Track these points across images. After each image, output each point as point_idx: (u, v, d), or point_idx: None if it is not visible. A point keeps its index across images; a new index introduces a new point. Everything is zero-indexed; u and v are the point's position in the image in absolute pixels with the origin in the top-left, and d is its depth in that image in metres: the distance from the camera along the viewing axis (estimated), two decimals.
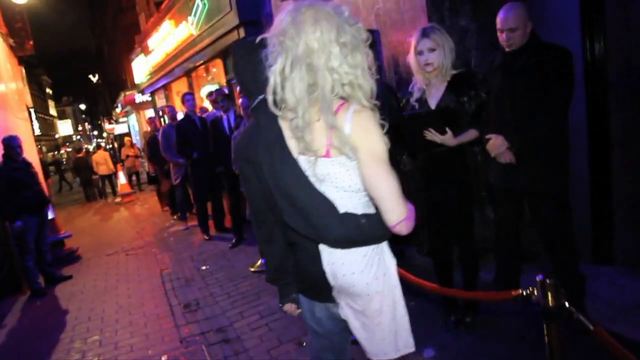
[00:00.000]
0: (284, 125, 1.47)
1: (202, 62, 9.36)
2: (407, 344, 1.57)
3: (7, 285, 5.16)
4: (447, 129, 2.56)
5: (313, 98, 1.37)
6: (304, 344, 3.13)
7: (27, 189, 4.93)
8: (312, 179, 1.46)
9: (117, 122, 29.36)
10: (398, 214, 1.38)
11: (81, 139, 55.30)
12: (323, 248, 1.52)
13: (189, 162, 6.06)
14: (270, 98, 1.41)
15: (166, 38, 10.53)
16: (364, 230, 1.44)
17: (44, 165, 13.99)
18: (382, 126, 1.40)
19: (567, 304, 1.37)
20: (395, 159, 4.02)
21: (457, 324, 2.92)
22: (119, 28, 22.49)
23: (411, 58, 2.69)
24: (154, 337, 3.67)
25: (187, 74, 10.73)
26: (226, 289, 4.44)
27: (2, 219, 4.99)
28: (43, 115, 48.23)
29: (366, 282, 1.48)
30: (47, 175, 12.89)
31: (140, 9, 13.73)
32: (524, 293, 1.52)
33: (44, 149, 43.55)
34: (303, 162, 1.46)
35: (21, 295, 5.17)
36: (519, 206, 3.02)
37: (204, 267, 5.22)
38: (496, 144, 2.72)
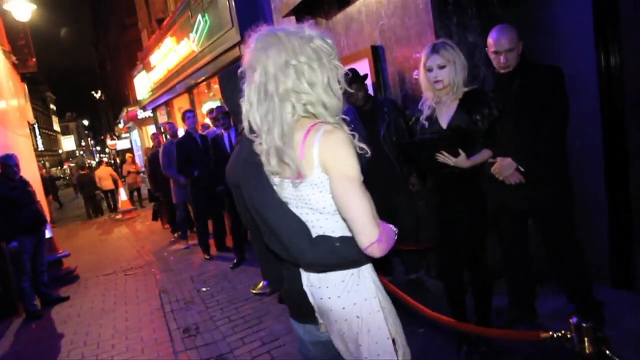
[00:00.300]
0: (259, 150, 1.46)
1: (203, 78, 9.33)
2: None
3: (2, 307, 5.02)
4: (459, 150, 2.44)
5: (275, 125, 1.38)
6: None
7: (23, 209, 4.81)
8: (288, 202, 1.48)
9: (119, 138, 29.41)
10: (369, 236, 1.32)
11: (84, 155, 55.48)
12: (302, 269, 1.53)
13: (190, 180, 5.94)
14: (245, 124, 1.45)
15: (168, 55, 10.53)
16: (339, 253, 1.41)
17: (46, 181, 13.90)
18: (356, 146, 1.39)
19: (607, 352, 1.23)
20: (403, 179, 3.90)
21: (471, 354, 2.76)
22: (122, 44, 22.64)
23: (420, 74, 2.57)
24: None
25: (189, 90, 10.70)
26: (227, 312, 4.28)
27: None
28: (47, 131, 48.49)
29: (342, 306, 1.47)
30: (47, 192, 12.78)
31: (143, 26, 13.79)
32: (555, 335, 1.37)
33: (47, 164, 43.71)
34: (277, 184, 1.48)
35: (16, 318, 5.01)
36: (524, 226, 2.96)
37: (204, 289, 5.07)
38: (504, 166, 2.67)
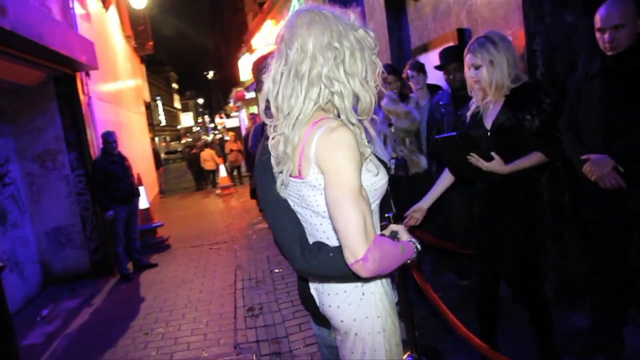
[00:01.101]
0: (270, 143, 1.35)
1: None
2: None
3: (102, 268, 5.61)
4: (493, 153, 2.19)
5: (295, 108, 1.27)
6: None
7: (119, 181, 5.27)
8: (293, 201, 1.38)
9: (228, 116, 31.15)
10: (354, 253, 1.17)
11: (200, 130, 59.88)
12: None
13: None
14: (262, 105, 1.35)
15: (267, 37, 10.79)
16: (331, 265, 1.29)
17: (157, 155, 15.20)
18: (364, 151, 1.28)
19: None
20: None
21: None
22: (233, 27, 23.77)
23: (466, 73, 2.37)
24: (212, 338, 3.67)
25: None
26: (292, 296, 4.32)
27: (97, 208, 5.41)
28: (169, 108, 53.09)
29: (341, 319, 1.37)
30: (158, 165, 13.96)
31: (249, 9, 14.30)
32: None
33: (167, 138, 47.96)
34: (281, 188, 1.37)
35: (112, 278, 5.57)
36: (624, 243, 2.47)
37: (277, 270, 5.18)
38: (598, 164, 2.21)
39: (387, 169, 3.31)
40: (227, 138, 20.02)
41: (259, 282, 4.89)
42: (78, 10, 5.97)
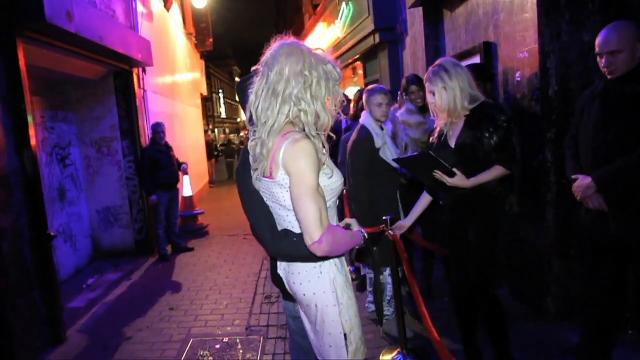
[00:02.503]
0: (251, 145, 1.66)
1: (346, 64, 9.64)
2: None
3: (144, 247, 6.12)
4: (455, 170, 2.36)
5: (270, 119, 1.58)
6: None
7: (164, 169, 5.74)
8: (264, 197, 1.69)
9: None
10: (311, 237, 1.50)
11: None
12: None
13: None
14: (248, 115, 1.64)
15: (319, 39, 11.08)
16: (296, 248, 1.60)
17: (210, 146, 15.90)
18: (321, 158, 1.58)
19: None
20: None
21: None
22: (295, 26, 24.31)
23: (428, 98, 2.57)
24: (228, 319, 4.00)
25: None
26: None
27: (143, 192, 5.92)
28: (230, 101, 54.76)
29: (304, 293, 1.66)
30: (210, 156, 14.63)
31: (306, 10, 14.66)
32: None
33: (227, 130, 49.49)
34: (256, 181, 1.68)
35: (151, 257, 6.07)
36: (615, 264, 2.49)
37: None
38: (582, 186, 2.29)
39: (400, 176, 3.49)
40: None
41: None
42: (140, 10, 6.52)
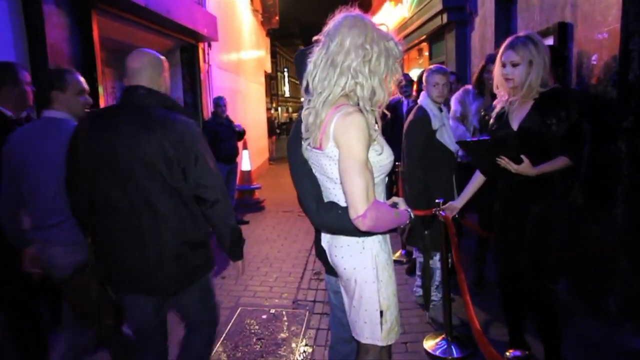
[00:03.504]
0: (304, 114, 1.65)
1: (412, 44, 9.38)
2: (374, 337, 1.67)
3: None
4: (523, 156, 2.21)
5: (326, 89, 1.56)
6: None
7: (224, 142, 5.90)
8: (313, 169, 1.69)
9: None
10: (356, 210, 1.49)
11: None
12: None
13: None
14: (304, 83, 1.63)
15: (386, 18, 10.84)
16: (339, 221, 1.60)
17: (272, 123, 16.18)
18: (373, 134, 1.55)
19: None
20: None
21: None
22: (362, 7, 23.91)
23: (495, 69, 2.35)
24: (276, 292, 4.10)
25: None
26: None
27: None
28: (294, 80, 55.28)
29: (344, 267, 1.67)
30: (271, 133, 14.89)
31: None
32: None
33: (290, 109, 50.09)
34: (306, 151, 1.68)
35: None
36: None
37: None
38: None
39: (455, 158, 3.40)
40: None
41: None
42: None
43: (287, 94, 48.05)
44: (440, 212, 2.69)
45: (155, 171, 1.84)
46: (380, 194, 1.71)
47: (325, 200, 1.70)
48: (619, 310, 3.12)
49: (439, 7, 6.74)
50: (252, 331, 3.38)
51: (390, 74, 1.60)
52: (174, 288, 2.00)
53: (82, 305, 2.03)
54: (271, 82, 21.73)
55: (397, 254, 4.82)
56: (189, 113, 2.04)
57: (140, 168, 1.84)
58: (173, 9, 4.70)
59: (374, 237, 1.67)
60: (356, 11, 1.61)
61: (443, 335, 2.97)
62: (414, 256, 4.09)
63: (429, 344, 2.97)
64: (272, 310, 3.71)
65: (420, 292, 3.52)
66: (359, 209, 1.48)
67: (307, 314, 3.64)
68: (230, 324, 3.46)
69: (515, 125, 2.33)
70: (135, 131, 1.83)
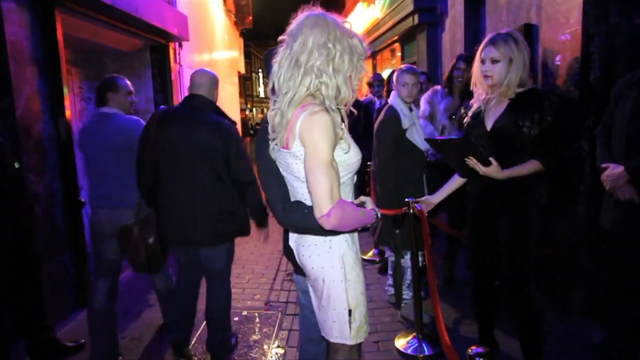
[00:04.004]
0: (270, 115, 1.65)
1: (383, 45, 9.46)
2: (343, 336, 1.67)
3: None
4: (491, 159, 2.15)
5: (291, 90, 1.55)
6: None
7: None
8: (280, 168, 1.69)
9: None
10: (320, 209, 1.49)
11: None
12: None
13: None
14: (270, 84, 1.63)
15: (358, 19, 10.89)
16: (306, 220, 1.60)
17: (246, 124, 16.08)
18: (339, 132, 1.55)
19: None
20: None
21: None
22: (335, 8, 24.01)
23: (475, 65, 2.30)
24: (248, 293, 4.07)
25: (373, 55, 10.96)
26: None
27: None
28: (268, 81, 55.00)
29: (312, 267, 1.67)
30: (245, 134, 14.78)
31: None
32: None
33: (265, 110, 49.84)
34: (272, 151, 1.69)
35: None
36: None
37: None
38: (612, 175, 2.18)
39: (425, 157, 3.39)
40: None
41: None
42: None
43: (262, 95, 47.82)
44: (416, 205, 2.65)
45: (204, 156, 2.51)
46: (348, 193, 1.72)
47: (292, 199, 1.70)
48: (583, 306, 3.21)
49: (411, 8, 6.81)
50: None
51: (355, 72, 1.59)
52: (209, 241, 2.64)
53: (137, 254, 2.76)
54: (245, 83, 21.60)
55: (370, 253, 4.85)
56: (230, 119, 2.66)
57: (195, 153, 2.51)
58: (142, 7, 4.61)
59: (341, 236, 1.67)
60: (318, 10, 1.60)
61: (414, 334, 2.99)
62: (386, 255, 4.12)
63: (401, 343, 2.99)
64: (244, 312, 3.68)
65: (391, 291, 3.54)
66: (323, 208, 1.48)
67: (279, 315, 3.62)
68: (202, 327, 3.41)
69: (489, 125, 2.29)
70: (193, 126, 2.52)
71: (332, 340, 1.70)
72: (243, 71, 14.19)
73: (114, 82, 2.96)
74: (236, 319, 3.56)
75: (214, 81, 2.71)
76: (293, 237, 1.75)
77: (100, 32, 4.63)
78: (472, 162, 2.19)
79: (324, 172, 1.49)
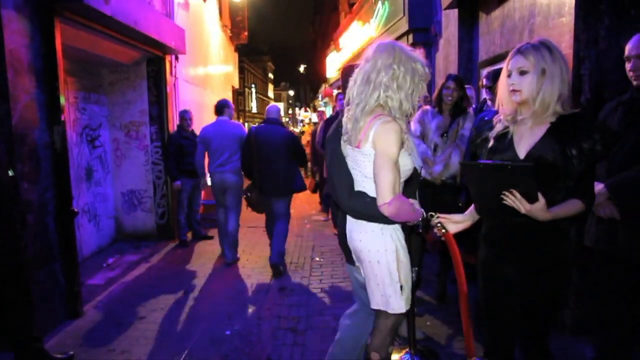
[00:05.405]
0: (344, 121, 2.05)
1: None
2: (397, 307, 2.02)
3: (165, 232, 6.24)
4: (540, 195, 1.70)
5: (362, 101, 1.95)
6: None
7: (189, 156, 5.80)
8: (349, 164, 2.05)
9: (315, 110, 31.95)
10: (383, 198, 1.84)
11: (290, 122, 61.71)
12: (348, 215, 2.13)
13: None
14: (346, 97, 2.04)
15: (353, 38, 11.06)
16: (367, 207, 1.96)
17: None
18: (405, 138, 1.94)
19: None
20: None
21: None
22: (331, 25, 24.33)
23: (500, 81, 1.92)
24: (240, 309, 4.02)
25: None
26: (323, 283, 4.59)
27: (167, 178, 6.03)
28: (262, 96, 55.19)
29: (368, 249, 2.00)
30: None
31: (342, 9, 14.66)
32: None
33: (256, 124, 49.91)
34: (344, 149, 2.06)
35: (172, 242, 6.18)
36: (625, 277, 2.39)
37: (317, 259, 5.47)
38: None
39: (419, 175, 3.44)
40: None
41: (298, 266, 5.20)
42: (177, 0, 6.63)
43: (255, 110, 47.94)
44: (438, 226, 2.04)
45: (283, 148, 4.79)
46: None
47: (355, 190, 2.05)
48: (573, 324, 3.23)
49: (405, 28, 6.93)
50: (215, 347, 3.30)
51: (416, 90, 1.94)
52: (283, 194, 4.91)
53: (255, 203, 4.99)
54: (238, 98, 21.65)
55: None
56: (289, 130, 5.19)
57: (277, 148, 4.76)
58: (140, 20, 4.65)
59: (393, 225, 2.01)
60: (389, 39, 2.02)
61: (407, 349, 2.99)
62: None
63: (393, 358, 2.98)
64: (236, 326, 3.64)
65: None
66: (386, 197, 1.83)
67: (271, 329, 3.59)
68: (194, 340, 3.37)
69: (522, 152, 1.84)
70: (274, 132, 4.84)
71: (389, 311, 2.03)
72: (237, 86, 14.25)
73: (228, 102, 5.40)
74: (227, 332, 3.52)
75: (279, 110, 5.24)
76: (349, 224, 2.10)
77: (99, 43, 4.66)
78: (512, 197, 1.73)
79: (390, 168, 1.84)
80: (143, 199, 6.14)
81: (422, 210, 2.00)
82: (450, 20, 5.81)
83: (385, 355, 2.19)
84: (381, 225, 1.98)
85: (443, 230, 2.02)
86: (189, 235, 6.33)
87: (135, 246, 5.88)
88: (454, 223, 2.05)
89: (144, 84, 5.97)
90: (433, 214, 2.02)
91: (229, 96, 12.73)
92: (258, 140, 4.77)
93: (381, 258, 1.98)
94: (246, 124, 38.01)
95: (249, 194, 4.93)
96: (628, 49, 2.26)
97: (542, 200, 1.71)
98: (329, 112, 25.75)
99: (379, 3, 8.43)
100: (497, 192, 1.77)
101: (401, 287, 2.00)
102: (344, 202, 2.04)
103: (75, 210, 3.76)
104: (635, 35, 2.28)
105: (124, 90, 5.97)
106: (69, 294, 3.68)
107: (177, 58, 6.44)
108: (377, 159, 1.87)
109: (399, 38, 7.40)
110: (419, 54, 1.97)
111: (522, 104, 1.83)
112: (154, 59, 5.87)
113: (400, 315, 2.09)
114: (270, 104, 5.34)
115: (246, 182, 5.20)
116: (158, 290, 4.40)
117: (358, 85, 1.96)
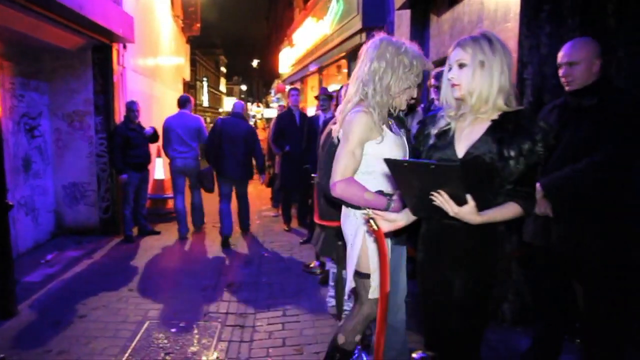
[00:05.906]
0: (337, 115, 2.23)
1: (331, 61, 9.64)
2: (364, 291, 2.18)
3: (109, 227, 6.00)
4: (468, 197, 1.57)
5: (349, 97, 2.10)
6: (303, 352, 3.11)
7: (136, 149, 5.62)
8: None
9: (267, 106, 31.72)
10: (332, 179, 1.99)
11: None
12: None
13: (281, 153, 6.32)
14: (343, 91, 2.32)
15: (306, 34, 11.05)
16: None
17: None
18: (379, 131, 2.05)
19: None
20: None
21: None
22: (285, 20, 24.19)
23: (443, 75, 1.82)
24: (188, 304, 3.94)
25: (320, 70, 11.15)
26: (273, 279, 4.57)
27: (113, 171, 5.80)
28: (214, 90, 54.10)
29: (345, 232, 2.22)
30: None
31: (296, 4, 14.61)
32: None
33: (208, 119, 48.96)
34: (335, 140, 2.20)
35: (116, 237, 5.95)
36: (560, 272, 2.54)
37: (266, 254, 5.43)
38: None
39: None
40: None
41: (247, 262, 5.15)
42: None
43: (206, 104, 46.93)
44: (372, 224, 1.89)
45: (243, 140, 5.71)
46: (380, 182, 2.07)
47: None
48: (512, 317, 3.39)
49: (359, 26, 7.01)
50: (160, 346, 3.21)
51: (401, 81, 2.00)
52: (242, 178, 5.86)
53: (205, 182, 5.97)
54: (190, 91, 21.12)
55: (311, 264, 4.87)
56: (251, 125, 6.39)
57: (240, 139, 5.67)
58: (86, 4, 4.42)
59: (360, 211, 2.06)
60: (381, 34, 2.07)
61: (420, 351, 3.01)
62: (327, 267, 4.15)
63: None
64: (182, 324, 3.56)
65: (333, 302, 3.57)
66: (334, 178, 1.98)
67: (219, 326, 3.54)
68: (137, 339, 3.27)
69: (461, 151, 1.74)
70: (238, 125, 5.82)
71: (361, 294, 2.19)
72: (188, 78, 13.89)
73: (188, 98, 6.24)
74: (173, 330, 3.44)
75: (245, 107, 6.02)
76: (343, 212, 2.24)
77: (39, 26, 4.40)
78: (441, 198, 1.60)
79: (344, 156, 1.98)
80: (86, 193, 5.87)
81: (390, 199, 1.96)
82: (402, 21, 5.92)
83: (351, 340, 2.26)
84: (353, 210, 2.12)
85: (374, 227, 1.86)
86: (135, 230, 6.12)
87: (77, 242, 5.62)
88: (387, 221, 1.86)
89: (89, 72, 5.71)
90: (368, 209, 1.89)
91: (179, 89, 12.38)
92: (223, 131, 5.58)
93: (352, 241, 2.13)
94: None
95: (207, 176, 5.88)
96: (560, 56, 2.41)
97: (471, 203, 1.58)
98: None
99: (333, 1, 8.47)
100: (424, 192, 1.63)
101: (368, 276, 2.11)
102: (325, 187, 2.33)
103: (10, 203, 3.53)
104: (567, 43, 2.43)
105: (67, 78, 5.67)
106: (1, 292, 3.47)
107: (125, 47, 6.20)
108: (339, 145, 2.04)
109: (352, 36, 7.48)
110: (413, 46, 2.03)
111: (463, 98, 1.73)
112: (100, 46, 5.62)
113: (373, 305, 2.13)
114: (237, 101, 6.37)
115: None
116: (100, 288, 4.22)
117: (352, 82, 2.09)
